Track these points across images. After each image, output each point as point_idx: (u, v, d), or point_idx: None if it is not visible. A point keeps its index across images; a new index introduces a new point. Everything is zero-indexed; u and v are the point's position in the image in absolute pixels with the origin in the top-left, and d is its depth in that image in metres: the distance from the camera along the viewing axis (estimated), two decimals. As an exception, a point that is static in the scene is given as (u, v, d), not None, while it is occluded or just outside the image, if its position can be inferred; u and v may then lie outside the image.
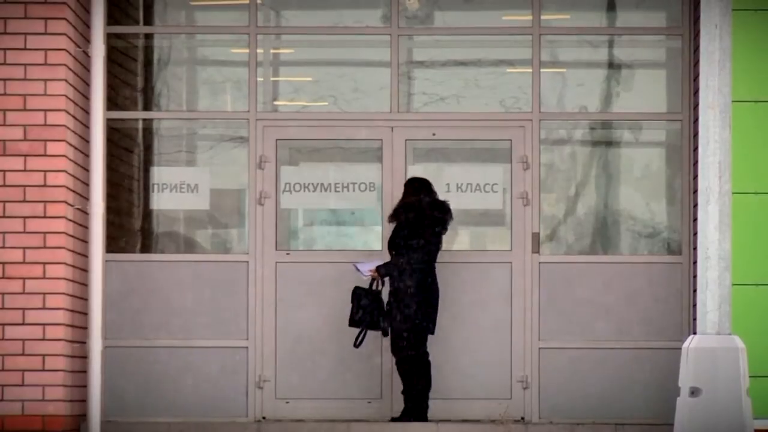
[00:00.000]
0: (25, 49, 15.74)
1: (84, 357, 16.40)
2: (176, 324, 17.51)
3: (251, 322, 17.49)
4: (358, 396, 17.47)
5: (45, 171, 15.80)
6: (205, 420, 17.15)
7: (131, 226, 17.90)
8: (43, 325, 15.74)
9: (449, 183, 17.74)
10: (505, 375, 17.53)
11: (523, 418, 17.27)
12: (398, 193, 17.45)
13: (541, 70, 17.69)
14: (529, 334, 17.48)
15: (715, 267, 8.10)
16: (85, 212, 16.45)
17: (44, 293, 15.77)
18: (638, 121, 18.00)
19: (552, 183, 17.86)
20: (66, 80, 15.87)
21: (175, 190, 17.91)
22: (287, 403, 17.39)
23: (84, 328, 16.44)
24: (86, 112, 16.56)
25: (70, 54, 16.00)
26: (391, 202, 17.45)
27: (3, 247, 15.78)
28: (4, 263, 15.79)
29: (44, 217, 15.79)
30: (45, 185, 15.79)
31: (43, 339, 15.73)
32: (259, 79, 17.79)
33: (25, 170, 15.78)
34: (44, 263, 15.79)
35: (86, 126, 16.56)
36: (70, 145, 16.01)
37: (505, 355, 17.55)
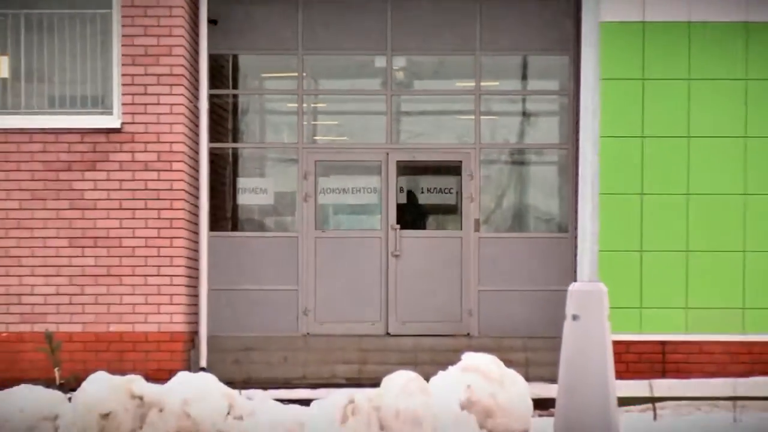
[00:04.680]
0: (158, 104, 15.64)
1: (196, 296, 16.39)
2: (254, 275, 17.38)
3: (300, 274, 17.40)
4: (366, 319, 17.45)
5: (171, 180, 15.72)
6: (273, 334, 17.15)
7: (225, 214, 17.80)
8: (171, 276, 15.71)
9: (424, 188, 17.77)
10: (457, 307, 17.53)
11: (468, 334, 17.28)
12: (392, 194, 17.55)
13: (480, 117, 17.67)
14: (473, 281, 17.52)
15: (588, 240, 8.06)
16: (196, 206, 16.50)
17: (171, 256, 15.72)
18: (541, 149, 18.03)
19: (490, 186, 17.88)
20: (184, 123, 15.81)
21: (252, 192, 17.81)
22: (322, 324, 17.36)
23: (196, 278, 16.43)
24: (196, 143, 16.51)
25: (186, 107, 15.96)
26: (386, 202, 17.53)
27: (145, 228, 15.67)
28: (145, 238, 15.67)
29: (171, 209, 15.72)
30: (171, 189, 15.73)
31: (171, 284, 15.71)
32: (304, 123, 17.73)
33: (159, 180, 15.68)
34: (171, 238, 15.73)
35: (197, 152, 16.52)
36: (187, 164, 15.98)
37: (455, 295, 17.54)
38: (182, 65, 15.75)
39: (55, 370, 11.59)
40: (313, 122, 18.09)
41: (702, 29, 15.92)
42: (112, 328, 15.62)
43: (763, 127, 15.96)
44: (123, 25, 15.68)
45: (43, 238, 15.66)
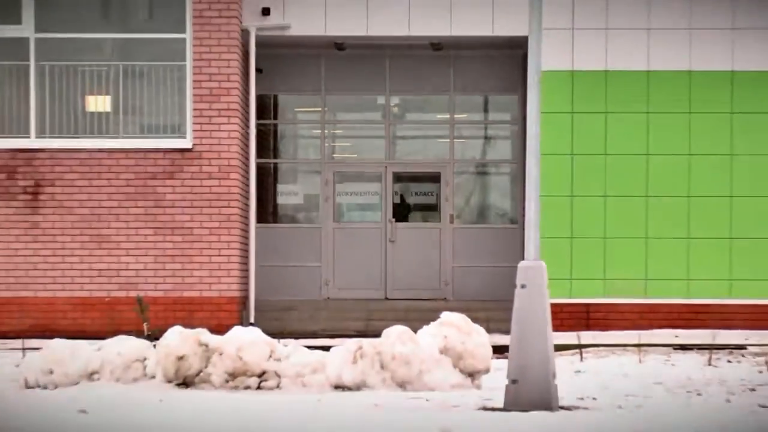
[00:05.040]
0: (219, 131, 15.59)
1: (247, 270, 16.31)
2: (288, 255, 17.30)
3: (322, 255, 17.38)
4: (371, 288, 17.36)
5: (229, 186, 15.65)
6: (302, 298, 17.06)
7: (268, 210, 17.70)
8: (228, 256, 15.66)
9: (412, 192, 17.78)
10: (437, 279, 17.49)
11: (445, 298, 17.18)
12: (389, 196, 17.55)
13: (454, 140, 17.68)
14: (449, 260, 17.53)
15: (532, 229, 7.99)
16: (246, 205, 16.37)
17: (229, 242, 15.66)
18: (498, 163, 18.04)
19: (460, 190, 17.88)
20: (237, 145, 15.77)
21: (287, 195, 17.87)
22: (338, 291, 17.33)
23: (247, 257, 16.34)
24: (247, 158, 16.39)
25: (239, 133, 15.89)
26: (385, 202, 17.47)
27: (210, 221, 15.60)
28: (210, 228, 15.60)
29: (228, 207, 15.66)
30: (229, 192, 15.66)
31: (228, 262, 15.66)
32: (325, 144, 17.75)
33: (219, 186, 15.62)
34: (228, 228, 15.67)
35: (247, 165, 16.41)
36: (240, 174, 15.91)
37: (436, 270, 17.48)
38: (237, 102, 15.73)
39: (144, 325, 11.59)
40: (332, 144, 18.03)
41: (615, 76, 15.93)
42: (185, 294, 15.58)
43: (662, 147, 15.94)
44: (194, 74, 15.64)
45: (135, 228, 15.62)
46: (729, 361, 11.68)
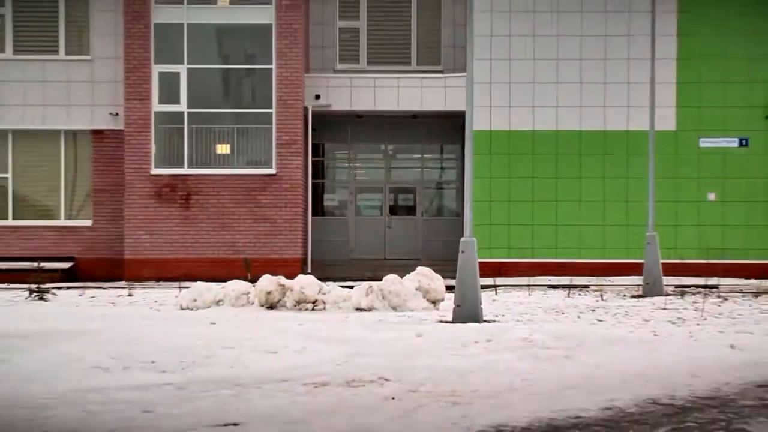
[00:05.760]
0: (291, 164, 15.49)
1: (306, 242, 15.98)
2: (329, 234, 17.05)
3: (349, 234, 17.17)
4: (376, 253, 17.13)
5: (297, 194, 15.46)
6: (338, 259, 16.85)
7: (319, 208, 17.38)
8: (296, 234, 15.45)
9: (400, 199, 17.53)
10: (414, 248, 17.24)
11: (419, 258, 16.90)
12: (386, 201, 17.41)
13: (423, 169, 17.52)
14: (421, 237, 17.36)
15: (468, 219, 7.96)
16: (306, 206, 16.25)
17: (296, 227, 15.45)
18: (449, 183, 17.82)
19: (427, 198, 17.71)
20: (302, 172, 15.56)
21: (329, 200, 17.53)
22: (358, 254, 17.03)
23: (306, 234, 16.13)
24: (307, 179, 16.15)
25: (302, 165, 15.68)
26: (385, 203, 17.30)
27: (286, 215, 15.40)
28: (286, 219, 15.41)
29: (296, 206, 15.49)
30: (296, 198, 15.46)
31: (297, 238, 15.46)
32: (350, 172, 17.54)
33: (291, 195, 15.40)
34: (296, 219, 15.48)
35: (307, 183, 16.19)
36: (302, 188, 15.74)
37: (413, 243, 17.27)
38: (301, 148, 15.60)
39: (248, 274, 11.52)
40: (354, 172, 17.73)
41: (515, 133, 15.81)
42: (272, 256, 15.40)
43: (541, 173, 15.84)
44: (277, 132, 15.53)
45: (243, 219, 15.46)
46: (579, 295, 11.64)
